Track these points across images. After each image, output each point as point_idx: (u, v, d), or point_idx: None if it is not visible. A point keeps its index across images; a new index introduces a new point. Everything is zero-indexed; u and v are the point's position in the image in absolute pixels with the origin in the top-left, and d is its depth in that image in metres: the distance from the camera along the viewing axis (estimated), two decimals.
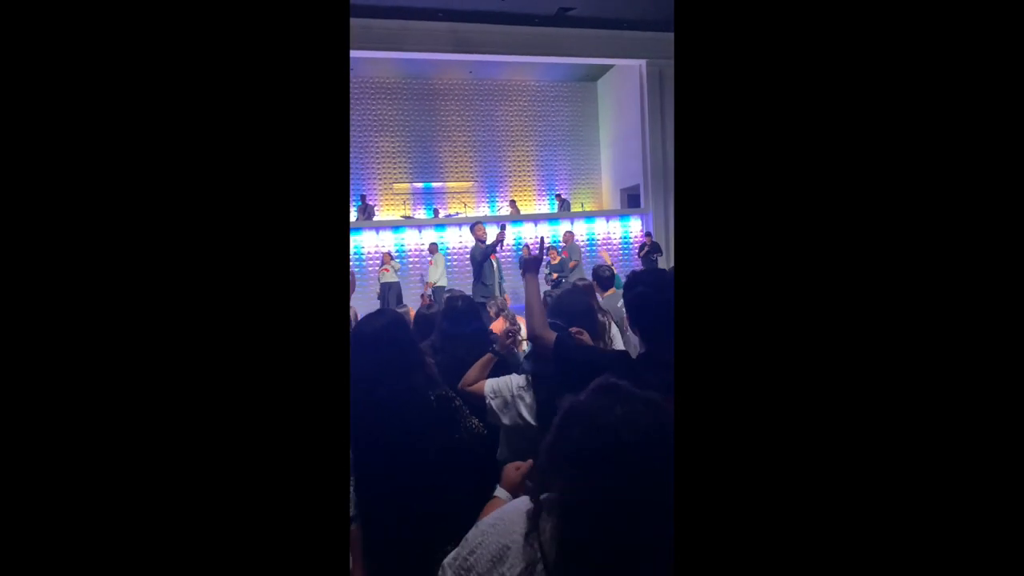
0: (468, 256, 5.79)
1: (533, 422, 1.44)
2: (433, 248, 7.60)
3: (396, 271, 7.45)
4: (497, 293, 5.25)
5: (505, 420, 1.48)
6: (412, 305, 5.37)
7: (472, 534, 0.78)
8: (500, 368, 1.73)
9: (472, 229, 5.66)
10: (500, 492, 1.04)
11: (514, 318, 3.27)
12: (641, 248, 8.13)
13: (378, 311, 1.65)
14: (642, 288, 1.33)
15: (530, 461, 1.05)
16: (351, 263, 7.31)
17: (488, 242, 5.40)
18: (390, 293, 7.20)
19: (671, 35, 7.57)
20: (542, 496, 0.75)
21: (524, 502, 0.77)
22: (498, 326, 3.29)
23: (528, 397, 1.47)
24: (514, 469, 1.06)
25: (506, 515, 0.77)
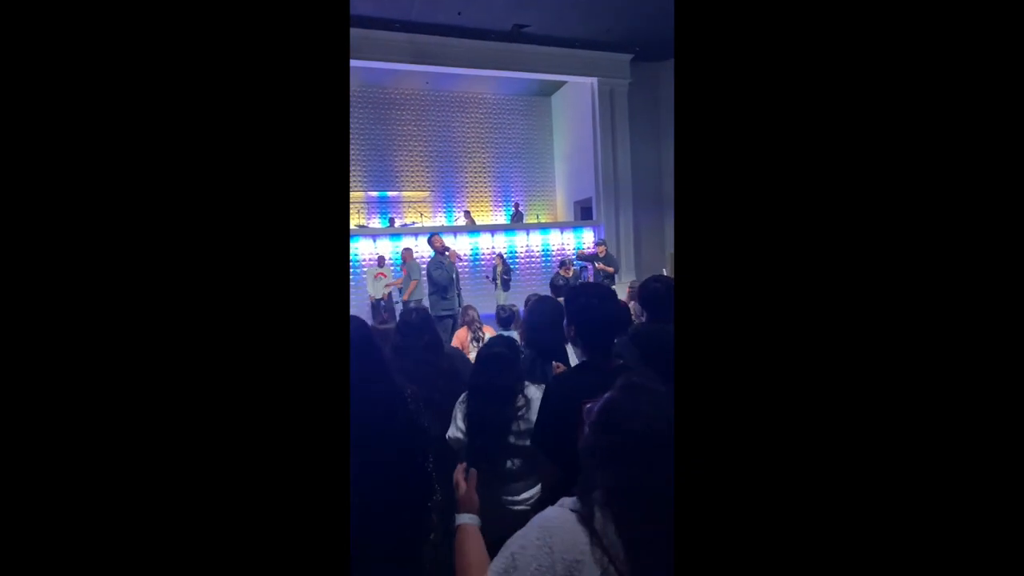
0: (425, 266, 5.78)
1: (465, 428, 1.51)
2: (408, 254, 7.19)
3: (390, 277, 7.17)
4: (456, 305, 5.27)
5: (448, 437, 1.56)
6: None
7: (521, 562, 0.70)
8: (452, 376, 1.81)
9: (430, 240, 5.66)
10: (467, 519, 0.93)
11: (481, 326, 3.34)
12: (590, 258, 7.13)
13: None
14: (583, 300, 1.38)
15: (470, 470, 1.00)
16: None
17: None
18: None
19: (622, 55, 7.73)
20: (590, 495, 0.73)
21: (562, 512, 0.73)
22: (461, 335, 3.34)
23: (464, 409, 1.55)
24: (464, 486, 0.97)
25: (555, 530, 0.71)
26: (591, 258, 7.24)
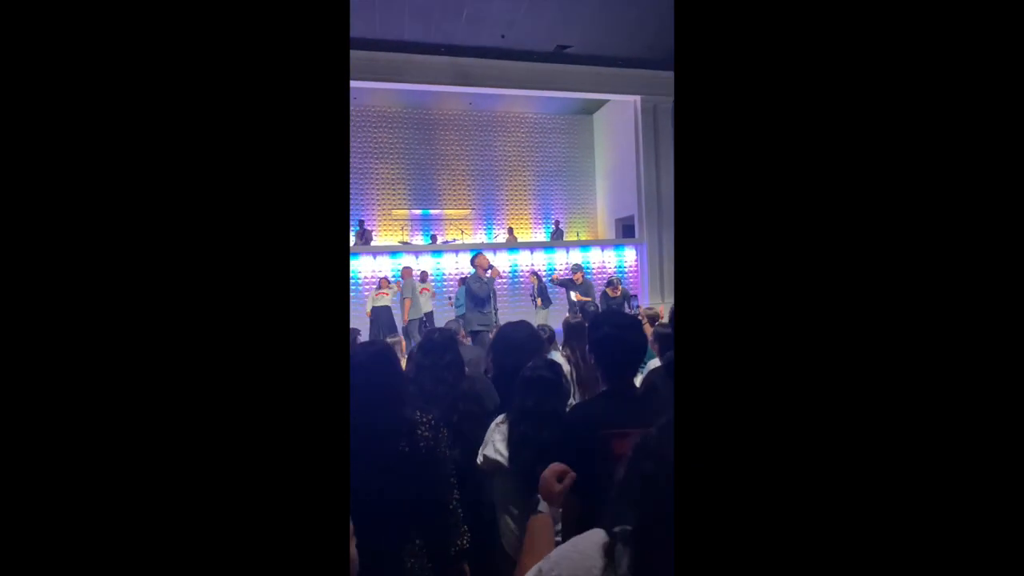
0: (466, 284, 5.83)
1: (505, 452, 1.48)
2: (406, 272, 7.02)
3: (393, 295, 7.37)
4: (493, 321, 5.29)
5: (478, 459, 1.53)
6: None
7: (554, 555, 0.80)
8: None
9: (473, 259, 5.71)
10: (543, 507, 1.07)
11: None
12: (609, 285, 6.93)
13: (368, 342, 1.74)
14: (607, 329, 1.42)
15: (569, 472, 1.07)
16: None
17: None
18: (383, 317, 7.13)
19: (665, 73, 7.66)
20: (616, 529, 0.75)
21: (599, 535, 0.78)
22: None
23: (504, 430, 1.53)
24: (553, 481, 1.06)
25: (582, 546, 0.79)
26: (566, 284, 6.96)
